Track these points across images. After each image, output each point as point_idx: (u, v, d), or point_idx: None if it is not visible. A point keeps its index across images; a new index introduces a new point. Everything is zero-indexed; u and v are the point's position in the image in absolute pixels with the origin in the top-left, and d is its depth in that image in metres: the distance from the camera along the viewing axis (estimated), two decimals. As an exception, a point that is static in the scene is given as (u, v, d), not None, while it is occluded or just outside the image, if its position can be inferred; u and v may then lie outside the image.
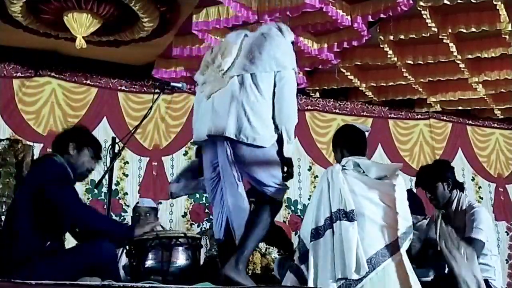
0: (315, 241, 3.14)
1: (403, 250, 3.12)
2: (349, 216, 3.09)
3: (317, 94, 7.61)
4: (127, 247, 3.32)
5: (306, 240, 3.21)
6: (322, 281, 3.05)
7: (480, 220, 3.86)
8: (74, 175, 3.33)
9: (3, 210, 4.21)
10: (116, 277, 3.06)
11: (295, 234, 6.28)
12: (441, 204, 4.02)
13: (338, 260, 3.02)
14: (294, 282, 3.20)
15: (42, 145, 6.29)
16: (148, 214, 4.99)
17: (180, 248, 3.23)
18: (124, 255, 3.40)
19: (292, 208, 7.23)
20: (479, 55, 6.16)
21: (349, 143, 3.50)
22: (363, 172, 3.31)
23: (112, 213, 5.61)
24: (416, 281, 3.12)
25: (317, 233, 3.15)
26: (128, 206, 6.44)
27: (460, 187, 4.08)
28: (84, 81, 6.75)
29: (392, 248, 3.09)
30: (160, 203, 6.38)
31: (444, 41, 5.83)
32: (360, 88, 7.23)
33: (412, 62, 6.42)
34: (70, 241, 3.68)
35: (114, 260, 3.18)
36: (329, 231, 3.11)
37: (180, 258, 3.22)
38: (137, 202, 5.39)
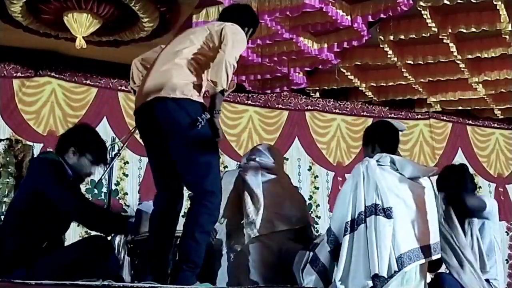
0: (349, 235, 3.06)
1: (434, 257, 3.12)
2: (386, 212, 3.03)
3: (317, 94, 7.61)
4: (129, 245, 3.32)
5: (339, 234, 3.12)
6: (354, 276, 3.00)
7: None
8: (73, 174, 3.32)
9: (3, 210, 4.22)
10: (113, 274, 3.04)
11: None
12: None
13: (374, 256, 2.96)
14: (317, 283, 3.14)
15: (42, 145, 6.29)
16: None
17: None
18: (126, 254, 3.40)
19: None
20: (479, 55, 6.16)
21: (384, 139, 3.44)
22: (397, 170, 3.25)
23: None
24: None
25: (351, 227, 3.07)
26: (128, 206, 6.44)
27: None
28: (84, 81, 6.75)
29: (423, 252, 3.07)
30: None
31: (444, 41, 5.83)
32: (360, 88, 7.24)
33: (412, 62, 6.42)
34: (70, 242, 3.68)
35: (107, 256, 3.16)
36: (363, 226, 3.04)
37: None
38: (139, 203, 5.38)
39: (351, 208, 3.12)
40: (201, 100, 2.99)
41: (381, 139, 3.45)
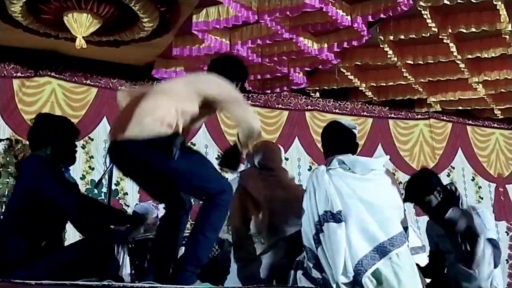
0: (320, 247, 3.01)
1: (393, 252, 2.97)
2: (336, 217, 2.96)
3: (317, 94, 7.61)
4: (130, 245, 3.32)
5: (312, 246, 3.07)
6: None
7: (488, 220, 3.84)
8: (59, 162, 3.31)
9: (3, 210, 4.22)
10: (114, 274, 3.05)
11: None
12: (438, 214, 3.74)
13: (331, 263, 2.92)
14: None
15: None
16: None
17: (182, 248, 3.23)
18: (126, 254, 3.40)
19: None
20: (479, 55, 6.16)
21: (331, 141, 3.38)
22: (349, 169, 3.15)
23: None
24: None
25: (318, 239, 3.02)
26: (128, 206, 6.44)
27: (451, 196, 3.84)
28: (84, 81, 6.75)
29: (379, 252, 2.95)
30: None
31: (444, 41, 5.84)
32: (360, 88, 7.24)
33: (412, 62, 6.42)
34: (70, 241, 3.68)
35: (107, 257, 3.16)
36: (322, 235, 3.00)
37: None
38: (136, 204, 5.38)
39: (312, 220, 3.07)
40: (171, 131, 2.90)
41: (328, 142, 3.40)
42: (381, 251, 2.95)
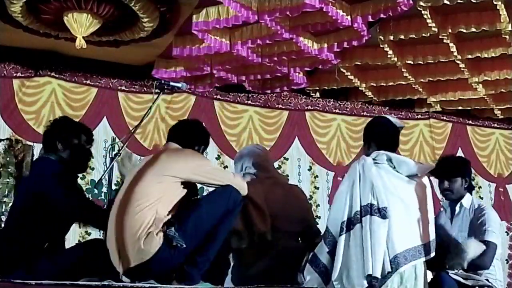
0: (345, 235, 3.04)
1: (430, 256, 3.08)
2: (382, 212, 3.00)
3: (317, 94, 7.61)
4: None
5: (336, 234, 3.10)
6: (350, 276, 2.99)
7: (493, 222, 3.88)
8: (74, 169, 3.33)
9: (3, 210, 4.22)
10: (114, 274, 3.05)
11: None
12: (454, 197, 4.01)
13: (368, 256, 2.94)
14: (318, 283, 3.13)
15: (42, 145, 6.28)
16: None
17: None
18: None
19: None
20: (479, 55, 6.16)
21: (380, 136, 3.37)
22: (394, 167, 3.19)
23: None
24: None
25: (347, 227, 3.05)
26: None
27: (471, 189, 4.10)
28: (84, 81, 6.75)
29: (419, 251, 3.04)
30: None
31: (444, 41, 5.83)
32: (360, 88, 7.23)
33: (412, 62, 6.42)
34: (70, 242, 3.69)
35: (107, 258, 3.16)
36: (359, 225, 3.02)
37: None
38: None
39: (348, 207, 3.09)
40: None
41: (377, 137, 3.38)
42: (412, 255, 3.02)
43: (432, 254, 3.13)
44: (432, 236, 3.13)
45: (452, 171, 4.00)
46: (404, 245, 3.02)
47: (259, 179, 3.71)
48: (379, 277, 2.93)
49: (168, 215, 3.02)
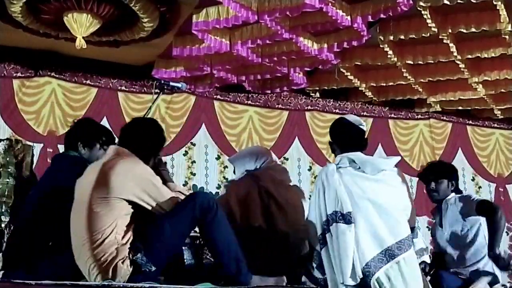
0: (324, 248, 2.97)
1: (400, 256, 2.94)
2: (346, 218, 2.90)
3: (317, 94, 7.62)
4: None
5: (318, 248, 3.04)
6: (331, 286, 2.93)
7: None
8: None
9: (3, 210, 4.22)
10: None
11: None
12: (440, 198, 4.03)
13: (337, 264, 2.87)
14: None
15: (42, 145, 6.29)
16: None
17: (183, 248, 3.24)
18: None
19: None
20: (479, 55, 6.16)
21: (340, 138, 3.24)
22: (359, 168, 3.08)
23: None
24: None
25: (323, 239, 2.97)
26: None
27: (458, 192, 4.11)
28: (84, 81, 6.75)
29: (388, 255, 2.90)
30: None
31: (444, 41, 5.84)
32: (360, 88, 7.24)
33: (412, 62, 6.42)
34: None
35: None
36: (328, 235, 2.94)
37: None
38: None
39: (318, 219, 3.02)
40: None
41: (338, 139, 3.25)
42: (389, 254, 2.91)
43: (401, 256, 2.92)
44: (407, 232, 2.98)
45: (439, 173, 4.07)
46: (375, 251, 2.91)
47: (261, 178, 3.71)
48: (352, 284, 2.84)
49: (127, 238, 2.83)
